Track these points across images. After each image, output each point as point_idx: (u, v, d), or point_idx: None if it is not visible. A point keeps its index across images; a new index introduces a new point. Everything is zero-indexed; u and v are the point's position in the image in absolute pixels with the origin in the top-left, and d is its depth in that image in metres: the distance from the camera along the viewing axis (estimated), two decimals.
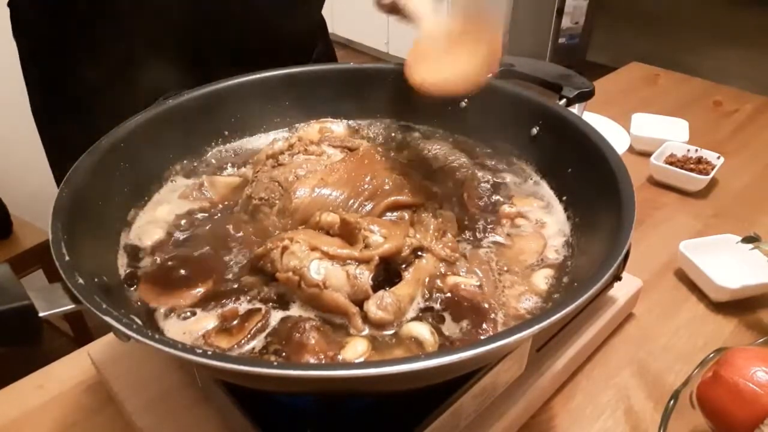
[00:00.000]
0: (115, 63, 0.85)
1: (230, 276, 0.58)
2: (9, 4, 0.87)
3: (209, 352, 0.41)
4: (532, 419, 0.67)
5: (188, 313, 0.54)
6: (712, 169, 1.08)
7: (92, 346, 0.71)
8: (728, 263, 0.85)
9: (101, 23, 0.84)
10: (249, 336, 0.51)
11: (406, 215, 0.63)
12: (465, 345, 0.39)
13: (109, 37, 0.85)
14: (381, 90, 0.83)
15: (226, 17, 0.90)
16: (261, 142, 0.80)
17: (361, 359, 0.49)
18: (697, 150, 1.13)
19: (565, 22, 3.86)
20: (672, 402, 0.62)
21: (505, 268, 0.60)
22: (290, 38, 0.96)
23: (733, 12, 4.68)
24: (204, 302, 0.55)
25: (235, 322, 0.53)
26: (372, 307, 0.52)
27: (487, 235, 0.64)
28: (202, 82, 0.76)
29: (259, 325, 0.52)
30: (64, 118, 0.91)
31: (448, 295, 0.56)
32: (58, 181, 0.90)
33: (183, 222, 0.66)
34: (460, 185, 0.71)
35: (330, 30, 1.19)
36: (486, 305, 0.54)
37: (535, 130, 0.73)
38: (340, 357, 0.49)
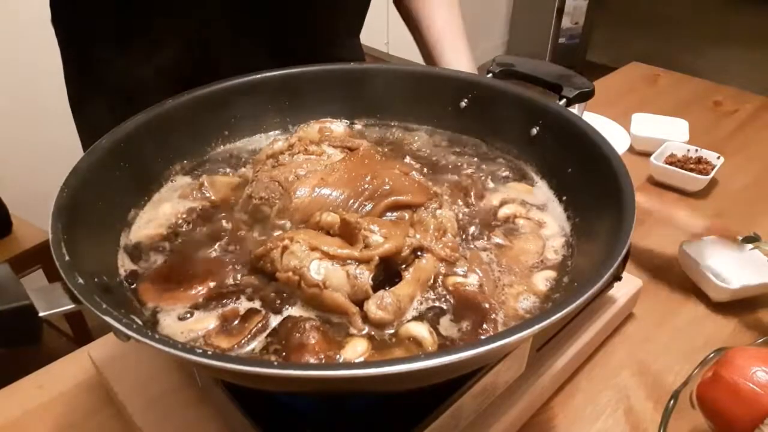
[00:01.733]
0: (152, 51, 0.85)
1: (230, 276, 0.58)
2: None
3: (209, 352, 0.41)
4: (532, 419, 0.67)
5: (188, 313, 0.54)
6: (712, 169, 1.08)
7: (92, 346, 0.71)
8: (728, 263, 0.85)
9: (140, 12, 0.85)
10: (249, 336, 0.51)
11: (406, 215, 0.63)
12: (465, 345, 0.39)
13: (146, 26, 0.85)
14: (381, 90, 0.83)
15: (265, 10, 0.90)
16: (261, 142, 0.80)
17: (361, 359, 0.49)
18: (697, 150, 1.13)
19: (565, 22, 3.86)
20: (672, 402, 0.62)
21: (506, 269, 0.60)
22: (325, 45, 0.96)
23: (733, 12, 4.68)
24: (204, 302, 0.55)
25: (235, 323, 0.52)
26: (372, 307, 0.52)
27: (487, 235, 0.64)
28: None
29: (260, 325, 0.52)
30: (100, 106, 0.91)
31: (448, 295, 0.56)
32: None
33: (183, 222, 0.66)
34: (460, 185, 0.71)
35: None
36: (486, 305, 0.54)
37: (535, 130, 0.73)
38: (340, 357, 0.49)
